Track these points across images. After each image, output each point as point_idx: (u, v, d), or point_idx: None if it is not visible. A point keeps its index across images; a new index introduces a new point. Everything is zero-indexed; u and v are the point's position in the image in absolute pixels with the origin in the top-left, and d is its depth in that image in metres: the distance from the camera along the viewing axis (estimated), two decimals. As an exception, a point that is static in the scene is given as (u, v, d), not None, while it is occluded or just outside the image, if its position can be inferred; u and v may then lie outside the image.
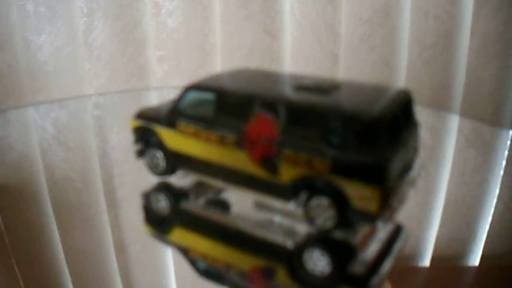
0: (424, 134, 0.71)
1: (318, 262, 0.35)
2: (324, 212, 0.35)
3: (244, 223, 0.40)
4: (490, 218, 0.48)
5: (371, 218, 0.34)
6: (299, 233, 0.38)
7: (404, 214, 0.48)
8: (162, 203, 0.44)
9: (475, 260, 0.43)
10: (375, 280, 0.33)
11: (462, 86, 0.87)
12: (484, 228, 0.47)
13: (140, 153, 0.45)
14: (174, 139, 0.42)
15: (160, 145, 0.43)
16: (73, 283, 0.38)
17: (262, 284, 0.35)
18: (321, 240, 0.37)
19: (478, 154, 0.65)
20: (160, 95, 0.87)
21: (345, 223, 0.35)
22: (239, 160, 0.38)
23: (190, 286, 0.41)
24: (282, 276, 0.35)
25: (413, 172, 0.39)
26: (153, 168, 0.45)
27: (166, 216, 0.43)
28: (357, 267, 0.35)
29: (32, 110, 0.79)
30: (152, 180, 0.49)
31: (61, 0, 0.81)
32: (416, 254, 0.44)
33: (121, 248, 0.42)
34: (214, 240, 0.39)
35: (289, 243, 0.37)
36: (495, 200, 0.52)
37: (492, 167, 0.61)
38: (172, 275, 0.40)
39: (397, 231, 0.39)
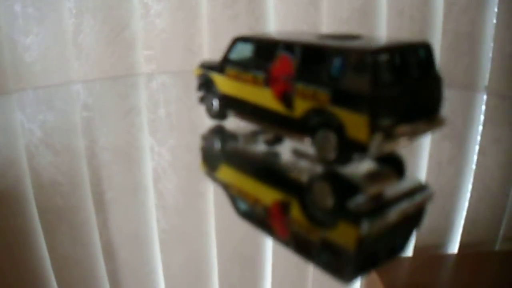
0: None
1: (322, 196, 0.36)
2: (328, 143, 0.36)
3: (273, 162, 0.42)
4: (465, 209, 0.47)
5: (362, 147, 0.34)
6: (316, 171, 0.39)
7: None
8: (214, 144, 0.48)
9: (454, 248, 0.42)
10: (370, 220, 0.33)
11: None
12: (461, 217, 0.46)
13: (201, 99, 0.49)
14: (223, 83, 0.46)
15: (215, 90, 0.47)
16: None
17: (280, 217, 0.35)
18: (326, 175, 0.38)
19: (453, 146, 0.64)
20: (148, 94, 0.83)
21: (346, 155, 0.35)
22: (266, 97, 0.41)
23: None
24: (295, 210, 0.36)
25: (430, 120, 0.38)
26: (209, 111, 0.49)
27: (216, 155, 0.46)
28: (357, 205, 0.34)
29: (19, 114, 0.74)
30: (142, 179, 0.50)
31: (49, 1, 0.77)
32: None
33: (110, 253, 0.39)
34: (247, 177, 0.41)
35: (303, 178, 0.38)
36: (469, 191, 0.50)
37: (466, 159, 0.59)
38: (161, 279, 0.37)
39: (421, 190, 0.39)
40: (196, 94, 0.51)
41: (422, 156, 0.61)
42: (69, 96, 0.81)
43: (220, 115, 0.48)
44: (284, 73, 0.39)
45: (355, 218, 0.33)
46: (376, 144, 0.33)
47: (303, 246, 0.31)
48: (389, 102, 0.34)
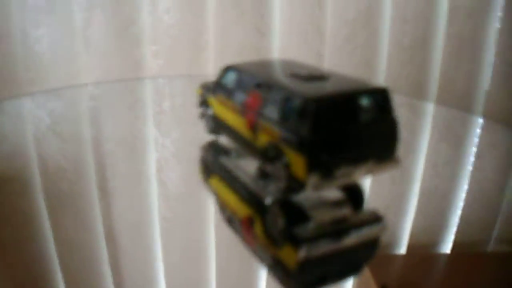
0: (400, 129, 0.71)
1: (276, 219, 0.39)
2: (280, 175, 0.39)
3: (250, 179, 0.45)
4: (460, 209, 0.48)
5: (301, 184, 0.37)
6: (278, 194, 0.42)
7: (382, 205, 0.47)
8: (209, 156, 0.52)
9: (447, 247, 0.43)
10: (309, 246, 0.36)
11: (436, 86, 0.87)
12: (455, 218, 0.46)
13: (201, 116, 0.53)
14: (215, 105, 0.50)
15: (210, 110, 0.51)
16: (63, 272, 0.36)
17: (248, 231, 0.40)
18: (281, 201, 0.40)
19: (450, 148, 0.64)
20: (154, 86, 0.84)
21: (293, 188, 0.38)
22: (241, 125, 0.44)
23: (179, 276, 0.39)
24: (258, 227, 0.40)
25: (381, 162, 0.40)
26: (207, 127, 0.52)
27: (209, 166, 0.51)
28: (303, 232, 0.37)
29: (28, 101, 0.75)
30: (145, 169, 0.53)
31: (60, -5, 0.78)
32: (394, 242, 0.43)
33: (111, 238, 0.40)
34: (230, 189, 0.45)
35: (267, 200, 0.41)
36: (465, 192, 0.51)
37: (462, 161, 0.60)
38: (161, 265, 0.38)
39: (374, 222, 0.40)
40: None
41: (419, 157, 0.61)
42: (77, 86, 0.82)
43: (215, 132, 0.52)
44: (254, 107, 0.42)
45: (297, 242, 0.36)
46: (313, 183, 0.36)
47: (264, 259, 0.37)
48: (330, 146, 0.37)
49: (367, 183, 0.48)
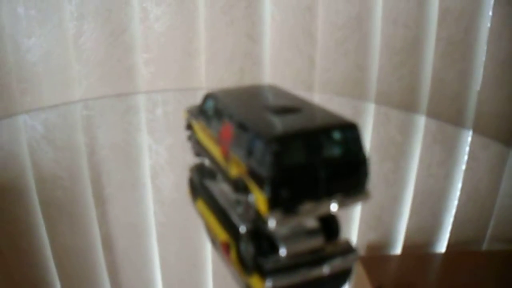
0: (394, 132, 0.72)
1: (247, 248, 0.39)
2: (249, 207, 0.39)
3: (230, 205, 0.45)
4: (454, 209, 0.49)
5: (263, 219, 0.37)
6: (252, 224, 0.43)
7: (377, 206, 0.48)
8: (195, 178, 0.53)
9: (442, 247, 0.43)
10: (276, 277, 0.36)
11: (428, 88, 0.88)
12: (449, 218, 0.47)
13: (188, 138, 0.54)
14: (198, 131, 0.51)
15: (194, 134, 0.52)
16: (60, 279, 0.37)
17: (226, 255, 0.41)
18: (253, 230, 0.41)
19: (443, 150, 0.65)
20: (146, 97, 0.85)
21: (260, 221, 0.38)
22: (217, 153, 0.45)
23: (176, 280, 0.40)
24: (234, 253, 0.40)
25: (349, 196, 0.40)
26: (193, 150, 0.53)
27: (196, 188, 0.51)
28: (271, 263, 0.37)
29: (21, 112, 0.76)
30: (140, 175, 0.54)
31: (52, 4, 0.78)
32: (389, 243, 0.44)
33: (108, 245, 0.41)
34: (212, 212, 0.46)
35: (241, 228, 0.41)
36: (458, 192, 0.52)
37: (456, 162, 0.61)
38: (158, 270, 0.39)
39: (347, 252, 0.41)
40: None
41: (413, 158, 0.62)
42: (70, 94, 0.83)
43: (200, 155, 0.53)
44: (226, 138, 0.43)
45: (265, 274, 0.37)
46: (274, 219, 0.36)
47: (239, 283, 0.38)
48: (292, 183, 0.37)
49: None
